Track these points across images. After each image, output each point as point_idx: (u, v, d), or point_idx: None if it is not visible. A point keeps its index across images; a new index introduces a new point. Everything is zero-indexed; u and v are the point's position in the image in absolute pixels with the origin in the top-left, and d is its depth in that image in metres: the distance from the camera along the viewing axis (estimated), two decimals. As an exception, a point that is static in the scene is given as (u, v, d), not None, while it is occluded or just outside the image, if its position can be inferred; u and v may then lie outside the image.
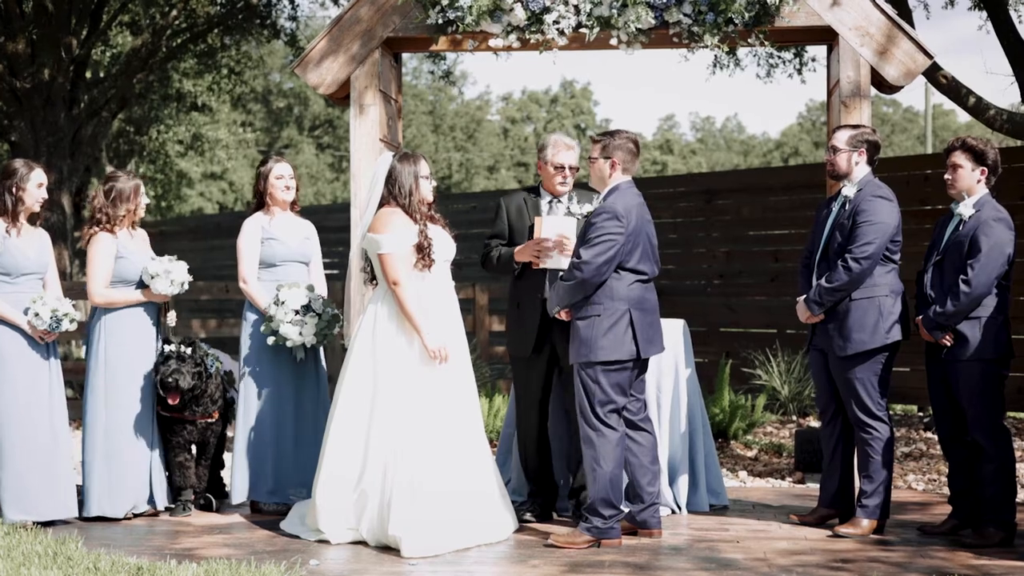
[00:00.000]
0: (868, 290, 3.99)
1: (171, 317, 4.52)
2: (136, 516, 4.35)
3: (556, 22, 4.57)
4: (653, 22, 4.54)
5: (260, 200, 4.60)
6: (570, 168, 4.24)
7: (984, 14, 7.21)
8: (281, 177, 4.58)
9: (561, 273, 3.97)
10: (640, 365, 3.96)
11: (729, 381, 6.22)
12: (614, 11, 4.53)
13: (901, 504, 4.53)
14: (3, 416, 4.18)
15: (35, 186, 4.32)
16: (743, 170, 23.21)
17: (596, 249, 3.81)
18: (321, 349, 4.60)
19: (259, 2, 10.20)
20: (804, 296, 4.13)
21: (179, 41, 10.61)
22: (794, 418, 6.71)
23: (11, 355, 4.21)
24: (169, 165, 16.86)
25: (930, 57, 4.58)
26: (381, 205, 3.99)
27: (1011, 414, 6.85)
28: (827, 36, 4.71)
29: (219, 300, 11.39)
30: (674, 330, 4.52)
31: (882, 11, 4.55)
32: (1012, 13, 6.79)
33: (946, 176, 4.03)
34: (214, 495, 4.66)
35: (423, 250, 3.90)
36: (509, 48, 4.70)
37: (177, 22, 10.23)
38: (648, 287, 3.95)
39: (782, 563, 3.64)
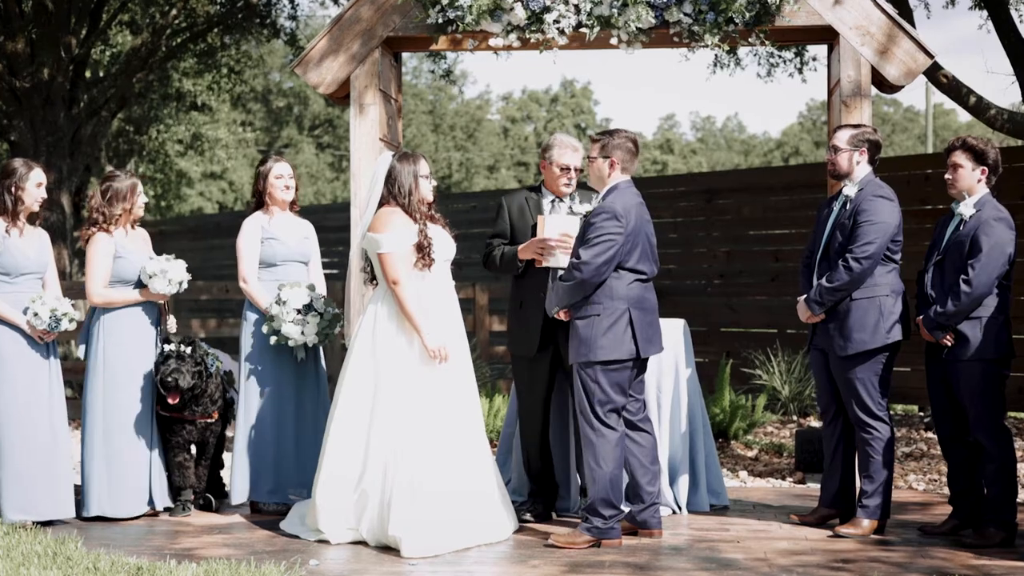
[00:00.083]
0: (869, 290, 3.98)
1: (171, 323, 4.51)
2: (136, 516, 4.34)
3: (556, 21, 4.57)
4: (653, 21, 4.54)
5: (259, 200, 4.59)
6: (575, 169, 4.24)
7: (985, 13, 7.21)
8: (280, 177, 4.57)
9: (560, 273, 3.96)
10: (639, 365, 3.96)
11: (729, 381, 6.22)
12: (614, 10, 4.52)
13: (902, 504, 4.53)
14: (3, 416, 4.18)
15: (34, 185, 4.32)
16: (744, 170, 23.21)
17: (595, 249, 3.81)
18: (321, 349, 4.60)
19: (259, 1, 10.19)
20: (805, 296, 4.13)
21: (179, 40, 10.60)
22: (795, 418, 6.71)
23: (11, 355, 4.20)
24: (169, 165, 16.85)
25: (931, 56, 4.57)
26: (381, 205, 3.98)
27: (1012, 414, 6.85)
28: (828, 35, 4.70)
29: (219, 300, 11.39)
30: (674, 330, 4.52)
31: (883, 10, 4.55)
32: (1013, 12, 6.78)
33: (947, 176, 4.02)
34: (213, 495, 4.65)
35: (423, 249, 3.90)
36: (509, 48, 4.69)
37: (177, 21, 10.22)
38: (647, 287, 3.95)
39: (782, 563, 3.64)
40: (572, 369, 3.96)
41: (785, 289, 7.60)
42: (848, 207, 4.06)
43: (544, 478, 4.36)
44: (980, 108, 6.66)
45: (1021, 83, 6.66)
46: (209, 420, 4.47)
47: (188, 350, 4.32)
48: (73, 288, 5.87)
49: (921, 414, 7.21)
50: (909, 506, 4.57)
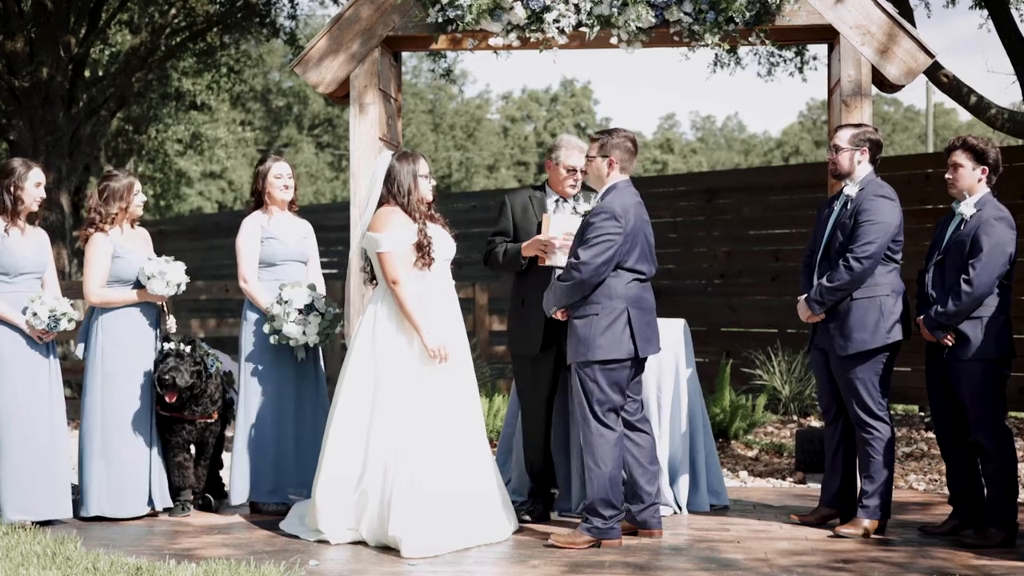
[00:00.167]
0: (869, 289, 3.98)
1: (171, 322, 4.50)
2: (135, 517, 4.34)
3: (556, 21, 4.56)
4: (653, 21, 4.53)
5: (259, 199, 4.59)
6: (580, 171, 4.23)
7: (985, 13, 7.20)
8: (280, 176, 4.57)
9: (558, 273, 3.95)
10: (637, 365, 3.95)
11: (730, 381, 6.21)
12: (614, 10, 4.52)
13: (902, 504, 4.52)
14: (3, 416, 4.17)
15: (33, 185, 4.31)
16: (744, 169, 23.21)
17: (595, 250, 3.80)
18: (320, 349, 4.59)
19: (258, 1, 10.18)
20: (805, 295, 4.12)
21: (178, 40, 10.59)
22: (795, 418, 6.70)
23: (10, 355, 4.20)
24: (168, 164, 16.84)
25: (931, 56, 4.57)
26: (380, 204, 3.98)
27: (1012, 414, 6.84)
28: (828, 35, 4.70)
29: (218, 300, 11.38)
30: (675, 330, 4.51)
31: (883, 10, 4.54)
32: (1013, 12, 6.78)
33: (947, 175, 4.01)
34: (213, 495, 4.65)
35: (423, 249, 3.89)
36: (509, 47, 4.69)
37: (176, 21, 10.22)
38: (645, 286, 3.94)
39: (783, 563, 3.63)
40: (570, 369, 3.95)
41: (785, 289, 7.60)
42: (849, 207, 4.05)
43: (545, 479, 4.36)
44: (981, 107, 6.65)
45: (1022, 82, 6.65)
46: (209, 420, 4.47)
47: (188, 349, 4.32)
48: (72, 288, 5.87)
49: (922, 414, 7.20)
50: (909, 506, 4.56)
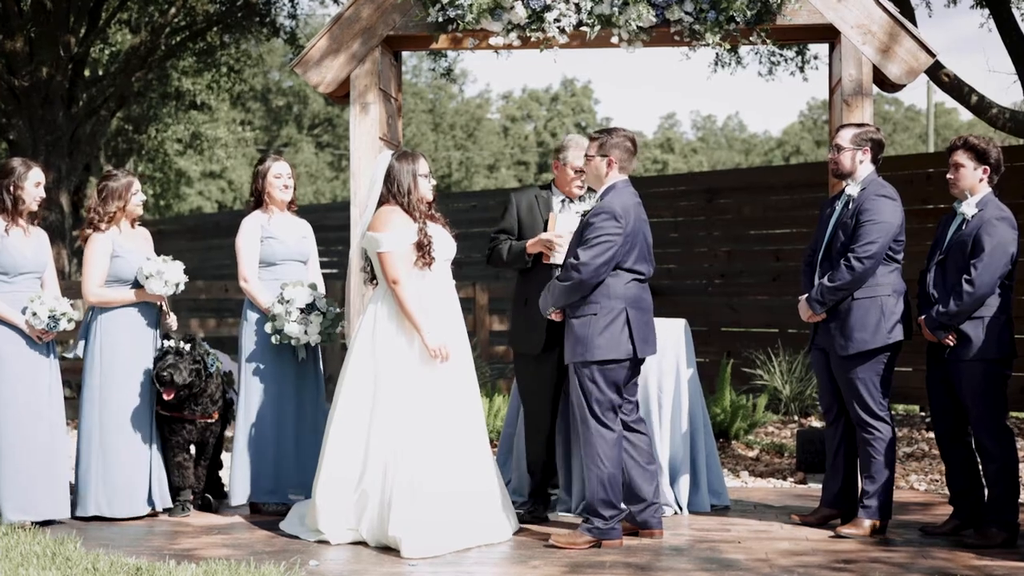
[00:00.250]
0: (870, 289, 3.97)
1: (172, 320, 4.50)
2: (135, 517, 4.33)
3: (557, 20, 4.56)
4: (654, 20, 4.53)
5: (258, 199, 4.58)
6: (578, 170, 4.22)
7: (986, 12, 7.19)
8: (279, 176, 4.56)
9: (557, 274, 3.94)
10: (634, 365, 3.94)
11: (730, 381, 6.20)
12: (615, 9, 4.51)
13: (903, 504, 4.52)
14: (2, 416, 4.17)
15: (33, 185, 4.30)
16: (744, 169, 23.20)
17: (595, 250, 3.79)
18: (319, 349, 4.59)
19: (258, 0, 10.17)
20: (806, 295, 4.11)
21: (178, 39, 10.58)
22: (796, 418, 6.70)
23: (10, 355, 4.19)
24: (168, 164, 16.83)
25: (932, 55, 4.56)
26: (380, 204, 3.97)
27: (1013, 414, 6.84)
28: (829, 34, 4.69)
29: (218, 300, 11.37)
30: (675, 330, 4.50)
31: (884, 9, 4.54)
32: (1014, 11, 6.77)
33: (948, 175, 4.01)
34: (212, 495, 4.64)
35: (423, 248, 3.89)
36: (510, 46, 4.68)
37: (176, 20, 10.21)
38: (644, 287, 3.93)
39: (784, 564, 3.63)
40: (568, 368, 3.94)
41: (786, 289, 7.59)
42: (851, 206, 4.04)
43: (546, 479, 4.35)
44: (982, 107, 6.65)
45: (1023, 82, 6.64)
46: (209, 420, 4.46)
47: (187, 347, 4.31)
48: (72, 288, 5.86)
49: (923, 414, 7.20)
50: (910, 506, 4.56)
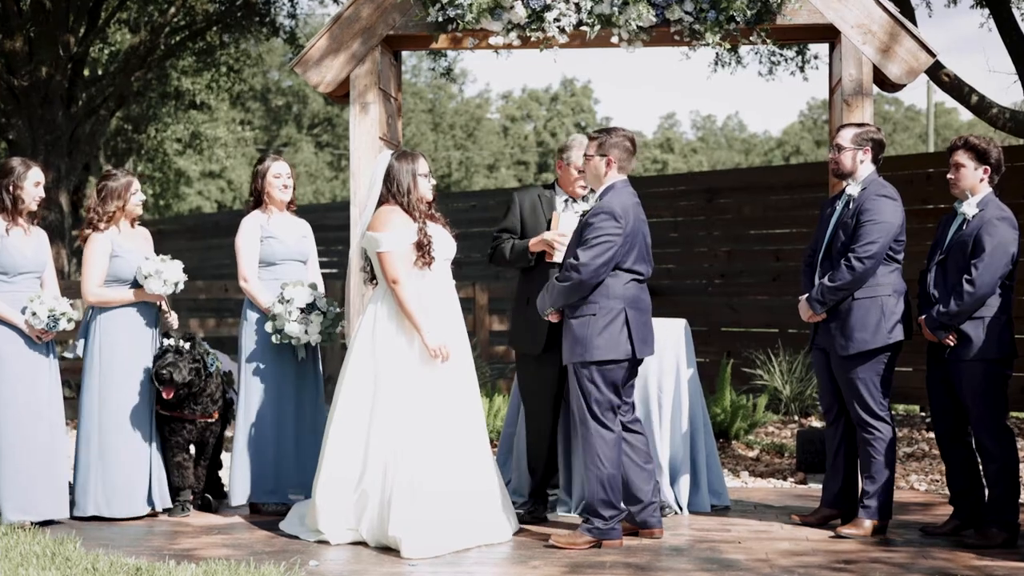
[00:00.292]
0: (871, 289, 3.97)
1: (173, 318, 4.49)
2: (135, 517, 4.33)
3: (557, 20, 4.55)
4: (654, 20, 4.52)
5: (257, 199, 4.58)
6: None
7: (986, 12, 7.19)
8: (279, 176, 4.56)
9: (556, 274, 3.93)
10: (632, 366, 3.93)
11: (730, 381, 6.20)
12: (615, 9, 4.51)
13: (903, 504, 4.51)
14: (2, 416, 4.16)
15: (32, 185, 4.30)
16: (744, 169, 23.20)
17: (595, 251, 3.78)
18: (319, 349, 4.58)
19: (258, 0, 10.16)
20: (807, 295, 4.11)
21: (178, 39, 10.58)
22: (796, 418, 6.69)
23: (10, 355, 4.19)
24: (167, 163, 16.82)
25: (933, 55, 4.56)
26: (380, 204, 3.97)
27: (1014, 414, 6.83)
28: (829, 34, 4.69)
29: (218, 299, 11.37)
30: (676, 330, 4.50)
31: (884, 9, 4.53)
32: (1015, 11, 6.77)
33: (949, 175, 4.00)
34: (212, 495, 4.64)
35: (423, 248, 3.88)
36: (509, 46, 4.67)
37: (176, 20, 10.21)
38: (643, 287, 3.91)
39: (784, 564, 3.63)
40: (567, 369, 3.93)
41: (786, 289, 7.59)
42: (851, 206, 4.04)
43: (546, 479, 4.34)
44: (982, 107, 6.65)
45: (1023, 82, 6.64)
46: (209, 420, 4.46)
47: (187, 346, 4.31)
48: (71, 287, 5.86)
49: (923, 414, 7.19)
50: (911, 506, 4.55)
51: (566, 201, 4.28)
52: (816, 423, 6.58)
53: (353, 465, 3.87)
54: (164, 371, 4.22)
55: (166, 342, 4.33)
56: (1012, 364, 3.95)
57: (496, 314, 7.84)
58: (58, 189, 9.43)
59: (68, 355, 4.49)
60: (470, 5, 4.51)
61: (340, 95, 4.87)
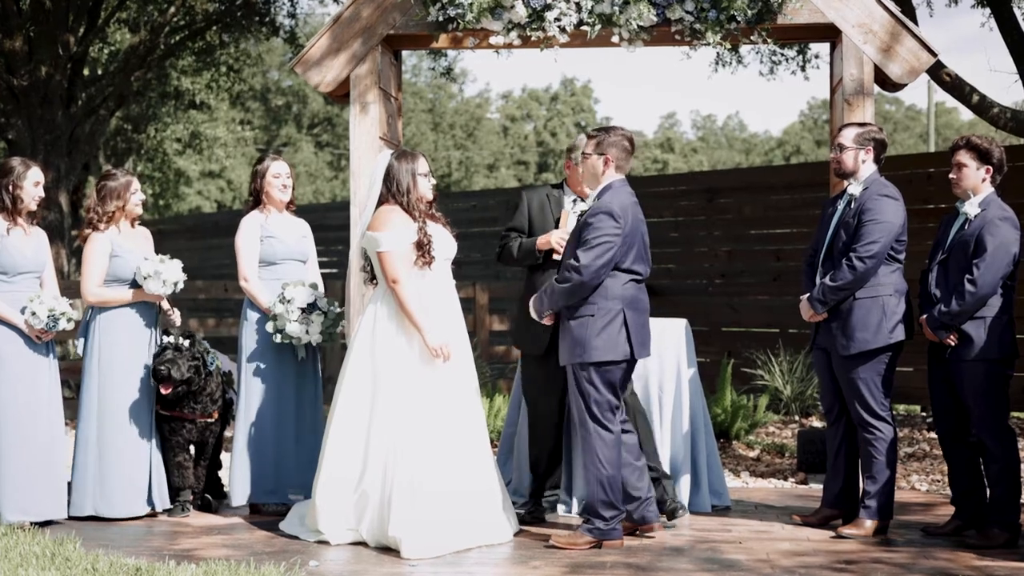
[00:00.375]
0: (872, 289, 3.96)
1: (176, 316, 4.49)
2: (134, 517, 4.32)
3: (557, 19, 4.54)
4: (655, 19, 4.51)
5: (256, 198, 4.57)
6: None
7: (987, 11, 7.19)
8: (278, 176, 4.55)
9: (555, 276, 3.92)
10: (630, 366, 3.92)
11: (731, 381, 6.19)
12: (616, 8, 4.50)
13: (904, 505, 4.51)
14: (2, 416, 4.15)
15: (32, 184, 4.29)
16: (745, 168, 23.20)
17: (595, 252, 3.76)
18: (319, 348, 4.58)
19: (258, -1, 10.16)
20: (808, 294, 4.10)
21: (177, 38, 10.57)
22: (796, 418, 6.69)
23: (9, 355, 4.18)
24: (167, 163, 16.82)
25: (934, 55, 4.55)
26: (380, 203, 3.96)
27: (1015, 414, 6.82)
28: (830, 33, 4.68)
29: (218, 299, 11.36)
30: (676, 330, 4.49)
31: (886, 8, 4.53)
32: (1016, 10, 6.76)
33: (951, 175, 4.00)
34: (212, 495, 4.63)
35: (423, 247, 3.87)
36: (510, 45, 4.67)
37: (175, 19, 10.20)
38: (641, 287, 3.90)
39: (785, 564, 3.62)
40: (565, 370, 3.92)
41: (787, 289, 7.58)
42: (853, 206, 4.03)
43: (548, 478, 4.33)
44: (983, 106, 6.64)
45: (1024, 81, 6.64)
46: (209, 420, 4.45)
47: (186, 343, 4.30)
48: (71, 287, 5.85)
49: (924, 414, 7.19)
50: (912, 507, 4.55)
51: (574, 201, 4.28)
52: (817, 423, 6.57)
53: (353, 465, 3.87)
54: (162, 367, 4.22)
55: (165, 339, 4.32)
56: (1013, 364, 3.94)
57: (496, 314, 7.83)
58: (58, 189, 9.42)
59: (78, 353, 4.47)
60: (471, 5, 4.50)
61: (340, 95, 4.86)
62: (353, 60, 4.71)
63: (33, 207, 4.32)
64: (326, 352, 7.00)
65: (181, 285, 4.37)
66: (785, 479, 5.23)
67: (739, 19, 4.49)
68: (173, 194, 20.15)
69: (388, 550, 3.79)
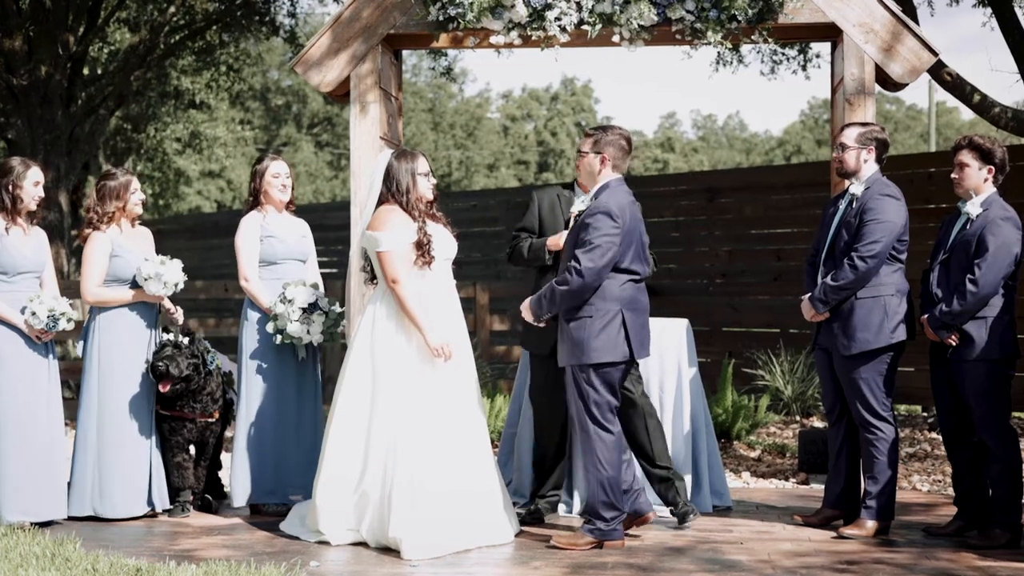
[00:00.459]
0: (873, 289, 3.96)
1: (179, 314, 4.48)
2: (133, 517, 4.31)
3: (558, 19, 4.54)
4: (656, 19, 4.51)
5: (256, 198, 4.56)
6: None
7: (989, 11, 7.18)
8: (277, 176, 4.54)
9: (555, 279, 3.90)
10: (629, 367, 3.91)
11: (732, 381, 6.19)
12: (616, 8, 4.49)
13: (906, 505, 4.50)
14: (2, 416, 4.15)
15: (32, 184, 4.28)
16: (745, 168, 23.20)
17: (595, 253, 3.74)
18: (319, 348, 4.57)
19: (258, -1, 10.15)
20: (809, 294, 4.10)
21: (177, 38, 10.56)
22: (797, 418, 6.68)
23: (9, 355, 4.17)
24: (167, 163, 16.80)
25: (935, 54, 4.54)
26: (380, 203, 3.95)
27: (1017, 414, 6.82)
28: (831, 33, 4.67)
29: (218, 300, 11.35)
30: (677, 330, 4.48)
31: (887, 8, 4.52)
32: (1017, 10, 6.76)
33: (953, 175, 3.99)
34: (212, 496, 4.62)
35: (422, 247, 3.87)
36: (511, 45, 4.66)
37: (175, 19, 10.19)
38: (640, 287, 3.88)
39: (786, 565, 3.61)
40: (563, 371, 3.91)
41: (787, 288, 7.57)
42: (854, 205, 4.03)
43: (547, 478, 4.32)
44: (984, 106, 6.63)
45: (1025, 81, 6.63)
46: (209, 419, 4.44)
47: (185, 340, 4.30)
48: (71, 287, 5.84)
49: (925, 414, 7.18)
50: (913, 507, 4.54)
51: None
52: (818, 423, 6.56)
53: (353, 465, 3.86)
54: (160, 363, 4.21)
55: (165, 337, 4.32)
56: (1015, 364, 3.94)
57: (497, 314, 7.82)
58: (57, 189, 9.41)
59: (79, 354, 4.46)
60: (471, 4, 4.49)
61: (340, 95, 4.85)
62: (353, 60, 4.71)
63: (33, 207, 4.32)
64: (326, 352, 6.99)
65: (181, 286, 4.37)
66: (786, 479, 5.22)
67: (740, 18, 4.48)
68: (173, 194, 20.15)
69: (388, 550, 3.79)
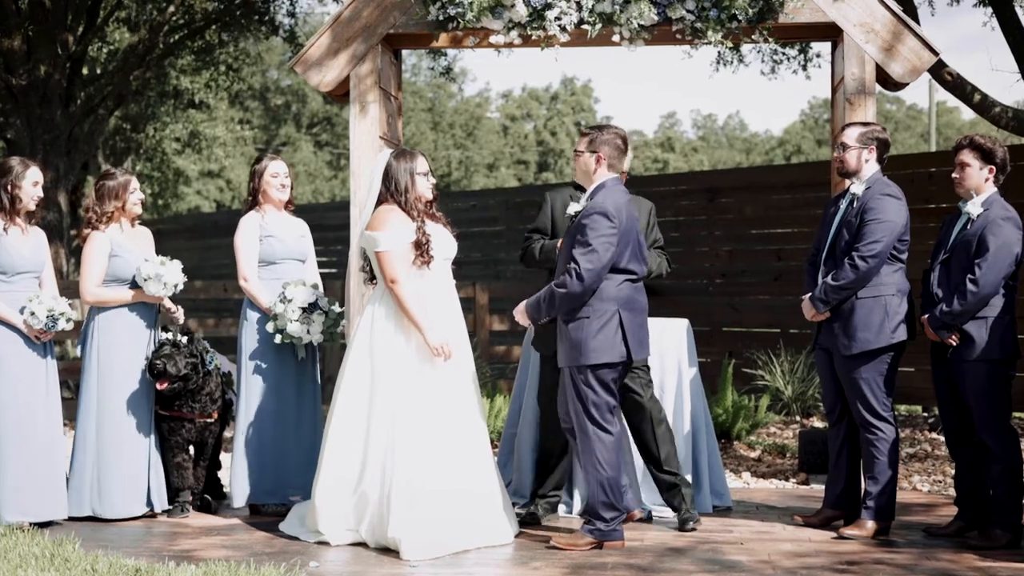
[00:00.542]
0: (874, 289, 3.95)
1: (180, 313, 4.48)
2: (132, 517, 4.31)
3: (558, 18, 4.53)
4: (656, 18, 4.50)
5: (255, 198, 4.56)
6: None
7: (989, 10, 7.18)
8: (276, 175, 4.54)
9: (553, 282, 3.89)
10: (627, 367, 3.90)
11: (732, 381, 6.18)
12: (616, 7, 4.48)
13: (906, 505, 4.50)
14: (2, 416, 4.14)
15: (31, 184, 4.28)
16: (745, 168, 23.19)
17: (595, 255, 3.72)
18: (318, 348, 4.56)
19: (257, -2, 10.14)
20: (810, 294, 4.09)
21: (176, 37, 10.56)
22: (798, 418, 6.68)
23: (9, 355, 4.17)
24: (166, 163, 16.80)
25: (936, 54, 4.54)
26: (379, 203, 3.95)
27: (1017, 414, 6.81)
28: (832, 33, 4.67)
29: (217, 300, 11.35)
30: (677, 330, 4.48)
31: (887, 7, 4.51)
32: (1018, 9, 6.75)
33: (954, 175, 3.99)
34: (211, 496, 4.62)
35: (421, 247, 3.86)
36: (510, 45, 4.66)
37: (174, 18, 10.18)
38: (637, 287, 3.87)
39: (786, 565, 3.61)
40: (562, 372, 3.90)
41: (788, 288, 7.57)
42: (855, 205, 4.02)
43: (547, 478, 4.32)
44: (985, 106, 6.63)
45: (1025, 81, 6.63)
46: (208, 420, 4.44)
47: (184, 339, 4.29)
48: (70, 287, 5.83)
49: (926, 415, 7.18)
50: (913, 507, 4.54)
51: None
52: (818, 423, 6.56)
53: (352, 465, 3.85)
54: (158, 362, 4.21)
55: (164, 336, 4.31)
56: (1015, 364, 3.94)
57: (496, 314, 7.81)
58: (56, 189, 9.41)
59: (78, 354, 4.45)
60: (471, 4, 4.49)
61: (340, 94, 4.85)
62: (353, 59, 4.70)
63: (32, 207, 4.31)
64: (326, 352, 6.98)
65: (181, 286, 4.36)
66: (786, 479, 5.22)
67: (740, 18, 4.48)
68: (172, 194, 20.14)
69: (388, 551, 3.78)
